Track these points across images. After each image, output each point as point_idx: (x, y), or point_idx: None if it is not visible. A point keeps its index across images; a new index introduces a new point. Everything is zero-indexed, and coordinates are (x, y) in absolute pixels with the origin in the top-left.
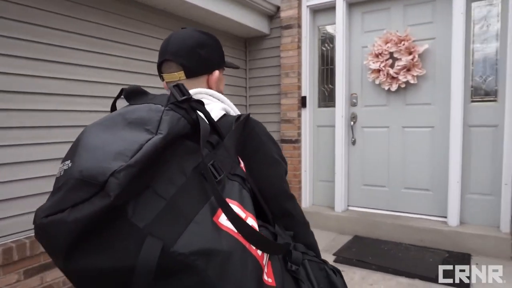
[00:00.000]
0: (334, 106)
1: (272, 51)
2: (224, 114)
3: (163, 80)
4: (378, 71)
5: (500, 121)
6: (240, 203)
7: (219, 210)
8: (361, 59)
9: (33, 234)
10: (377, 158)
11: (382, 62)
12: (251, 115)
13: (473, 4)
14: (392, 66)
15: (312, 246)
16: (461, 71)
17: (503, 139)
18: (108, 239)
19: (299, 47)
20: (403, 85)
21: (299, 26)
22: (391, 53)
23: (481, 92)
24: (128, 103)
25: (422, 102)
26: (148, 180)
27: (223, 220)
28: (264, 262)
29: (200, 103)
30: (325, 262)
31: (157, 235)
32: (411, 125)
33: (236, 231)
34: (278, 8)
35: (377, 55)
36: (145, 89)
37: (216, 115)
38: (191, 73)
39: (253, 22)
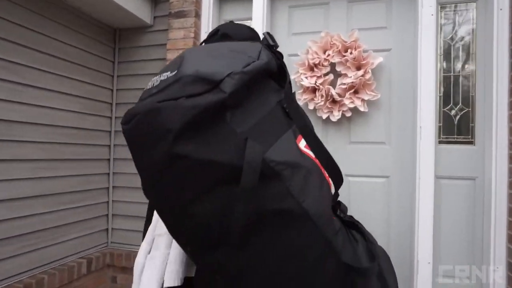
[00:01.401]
0: None
1: (156, 50)
2: None
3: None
4: (314, 90)
5: (478, 171)
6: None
7: (299, 137)
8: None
9: None
10: None
11: (319, 77)
12: None
13: (442, 12)
14: (333, 84)
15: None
16: (433, 98)
17: (483, 199)
18: (211, 135)
19: (195, 46)
20: (348, 114)
21: (197, 16)
22: (332, 66)
23: (451, 130)
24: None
25: (374, 140)
26: (245, 99)
27: (302, 145)
28: (332, 191)
29: (281, 55)
30: None
31: (251, 139)
32: (357, 173)
33: (313, 156)
34: None
35: (312, 68)
36: None
37: None
38: None
39: (127, 2)
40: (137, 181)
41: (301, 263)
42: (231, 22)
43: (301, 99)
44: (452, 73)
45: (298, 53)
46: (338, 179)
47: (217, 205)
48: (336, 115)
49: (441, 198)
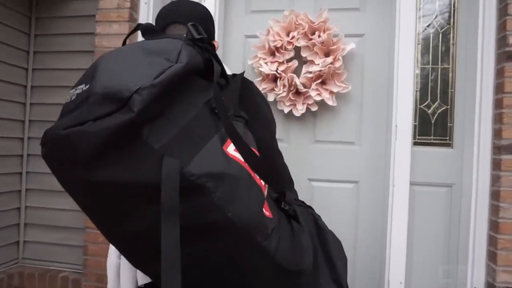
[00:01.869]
0: None
1: (83, 23)
2: (236, 74)
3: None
4: (275, 78)
5: (456, 177)
6: (244, 139)
7: (228, 141)
8: (244, 56)
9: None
10: None
11: (282, 63)
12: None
13: None
14: (298, 72)
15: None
16: (411, 93)
17: (459, 210)
18: (126, 156)
19: (132, 19)
20: (313, 108)
21: None
22: (297, 51)
23: (428, 130)
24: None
25: (342, 139)
26: (164, 108)
27: (230, 150)
28: (265, 193)
29: (213, 47)
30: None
31: (168, 154)
32: (321, 177)
33: (242, 160)
34: None
35: (273, 52)
36: None
37: None
38: None
39: None
40: (57, 183)
41: (238, 271)
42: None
43: (259, 89)
44: (430, 65)
45: (257, 34)
46: (271, 182)
47: (151, 223)
48: (299, 109)
49: (414, 208)
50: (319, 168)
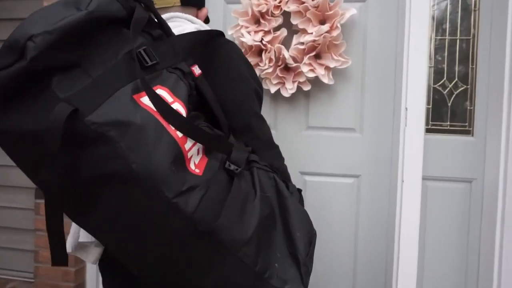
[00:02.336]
0: None
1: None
2: (205, 30)
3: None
4: (259, 51)
5: (477, 171)
6: (170, 90)
7: (144, 92)
8: (225, 24)
9: None
10: None
11: (267, 33)
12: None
13: None
14: (287, 44)
15: (278, 169)
16: (425, 69)
17: (481, 210)
18: (30, 105)
19: None
20: (306, 87)
21: None
22: (286, 17)
23: (443, 115)
24: None
25: (340, 125)
26: (78, 58)
27: (145, 100)
28: (187, 147)
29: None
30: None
31: (73, 104)
32: (315, 171)
33: (155, 110)
34: None
35: (257, 19)
36: None
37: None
38: (186, 1)
39: None
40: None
41: (146, 224)
42: None
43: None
44: (446, 36)
45: None
46: (190, 133)
47: (60, 171)
48: (289, 88)
49: (426, 207)
50: (312, 160)
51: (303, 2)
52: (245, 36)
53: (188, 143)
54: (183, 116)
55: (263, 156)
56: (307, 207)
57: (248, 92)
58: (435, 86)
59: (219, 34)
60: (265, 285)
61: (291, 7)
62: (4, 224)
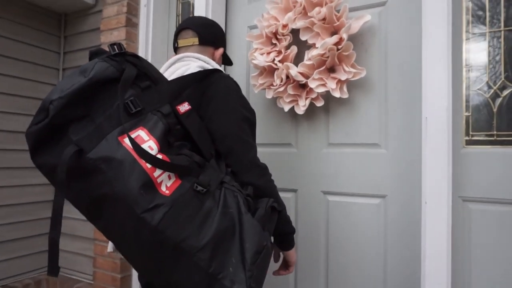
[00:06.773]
0: None
1: (98, 33)
2: (200, 71)
3: (177, 48)
4: (272, 70)
5: None
6: (148, 130)
7: (130, 133)
8: (248, 48)
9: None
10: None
11: (279, 52)
12: (224, 74)
13: None
14: (300, 61)
15: (259, 187)
16: (444, 69)
17: None
18: (53, 146)
19: (130, 24)
20: (319, 103)
21: None
22: (295, 34)
23: (488, 123)
24: None
25: (363, 140)
26: (87, 110)
27: (126, 140)
28: (155, 174)
29: (136, 57)
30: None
31: (79, 145)
32: (338, 190)
33: (131, 147)
34: None
35: (270, 39)
36: None
37: (191, 71)
38: (204, 41)
39: None
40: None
41: (126, 232)
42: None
43: (256, 84)
44: (487, 29)
45: (255, 21)
46: (156, 164)
47: (74, 192)
48: (301, 105)
49: (471, 233)
50: (335, 178)
51: (310, 17)
52: (257, 58)
53: (157, 172)
54: (150, 153)
55: (244, 176)
56: (332, 230)
57: (234, 121)
58: (474, 89)
59: (213, 72)
60: (218, 284)
61: (298, 24)
62: (77, 233)
